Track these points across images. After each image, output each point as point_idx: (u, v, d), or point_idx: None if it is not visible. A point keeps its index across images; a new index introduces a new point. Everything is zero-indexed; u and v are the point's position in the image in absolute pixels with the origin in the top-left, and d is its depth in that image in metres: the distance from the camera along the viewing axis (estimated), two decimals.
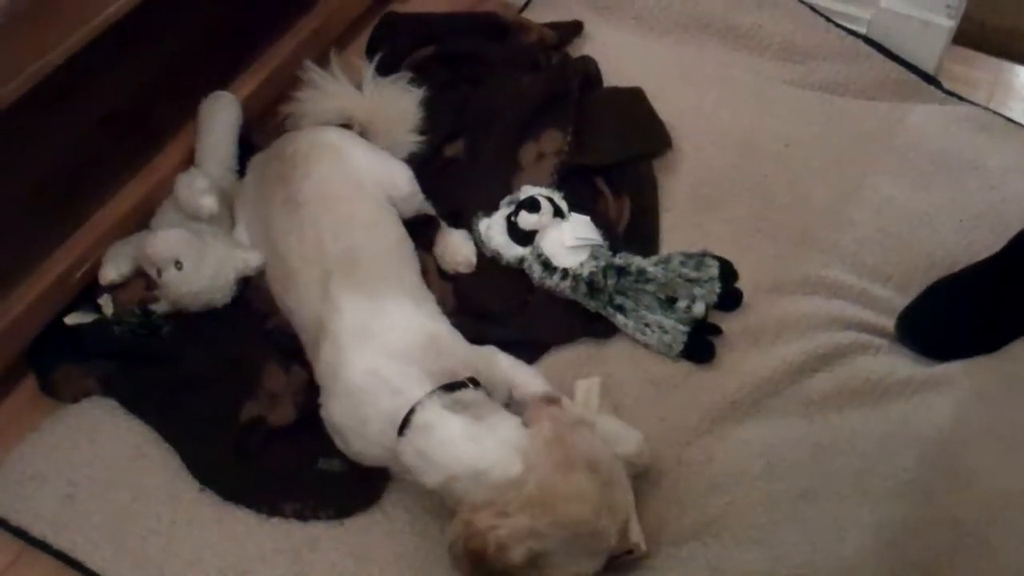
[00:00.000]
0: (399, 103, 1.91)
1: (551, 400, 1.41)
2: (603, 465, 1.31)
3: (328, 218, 1.61)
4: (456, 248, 1.81)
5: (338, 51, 1.96)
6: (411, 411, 1.38)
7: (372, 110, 1.86)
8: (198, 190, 1.69)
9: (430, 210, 1.84)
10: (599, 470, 1.30)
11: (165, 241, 1.65)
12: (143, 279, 1.69)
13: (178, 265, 1.64)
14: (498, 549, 1.25)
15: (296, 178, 1.66)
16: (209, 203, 1.69)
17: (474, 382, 1.44)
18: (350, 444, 1.48)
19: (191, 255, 1.65)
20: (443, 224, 1.84)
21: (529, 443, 1.32)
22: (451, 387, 1.41)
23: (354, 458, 1.50)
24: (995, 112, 2.11)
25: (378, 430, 1.41)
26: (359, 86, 1.89)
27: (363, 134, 1.85)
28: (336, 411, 1.47)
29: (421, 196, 1.81)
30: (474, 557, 1.27)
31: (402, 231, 1.71)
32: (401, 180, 1.78)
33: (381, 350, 1.46)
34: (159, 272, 1.65)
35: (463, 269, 1.80)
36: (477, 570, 1.29)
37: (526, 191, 1.82)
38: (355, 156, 1.74)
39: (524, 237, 1.77)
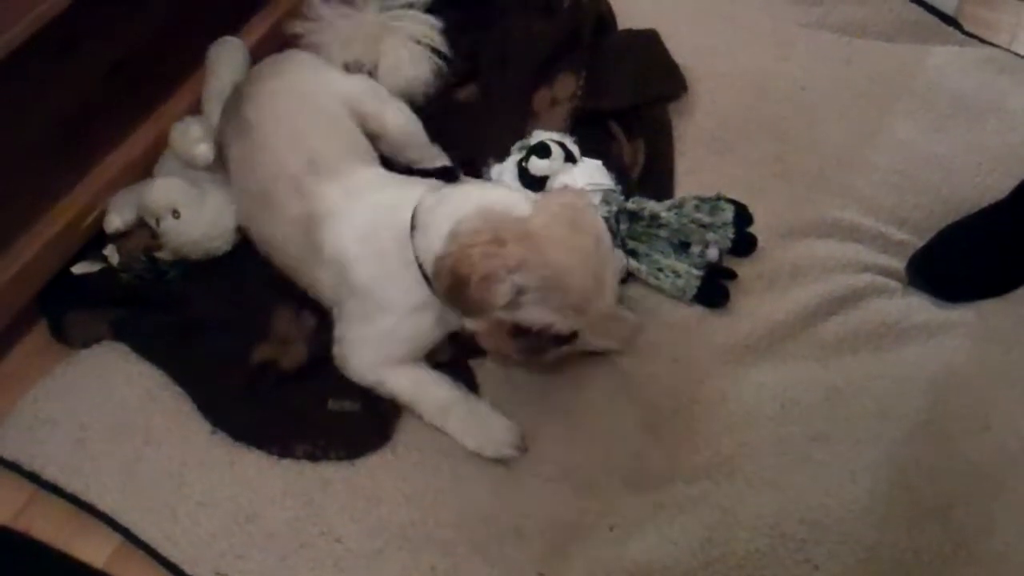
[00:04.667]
0: (412, 39, 1.87)
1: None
2: (604, 242, 1.34)
3: (280, 136, 1.61)
4: None
5: None
6: (416, 208, 1.42)
7: (381, 44, 1.82)
8: (192, 139, 1.69)
9: (443, 158, 1.83)
10: (600, 244, 1.33)
11: (161, 190, 1.65)
12: (148, 227, 1.69)
13: (175, 214, 1.64)
14: (483, 280, 1.27)
15: (242, 108, 1.66)
16: (203, 151, 1.68)
17: None
18: (389, 302, 1.49)
19: (189, 203, 1.65)
20: (464, 179, 1.83)
21: (542, 201, 1.36)
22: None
23: (401, 322, 1.50)
24: (1016, 54, 2.07)
25: (398, 249, 1.43)
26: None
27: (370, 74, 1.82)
28: (364, 273, 1.48)
29: (410, 128, 1.80)
30: (457, 281, 1.29)
31: (361, 142, 1.70)
32: (365, 95, 1.76)
33: (374, 190, 1.54)
34: (158, 221, 1.65)
35: None
36: (453, 295, 1.32)
37: (537, 136, 1.79)
38: (299, 70, 1.75)
39: (535, 182, 1.74)
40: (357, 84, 1.77)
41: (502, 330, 1.35)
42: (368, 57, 1.81)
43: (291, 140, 1.59)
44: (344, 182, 1.55)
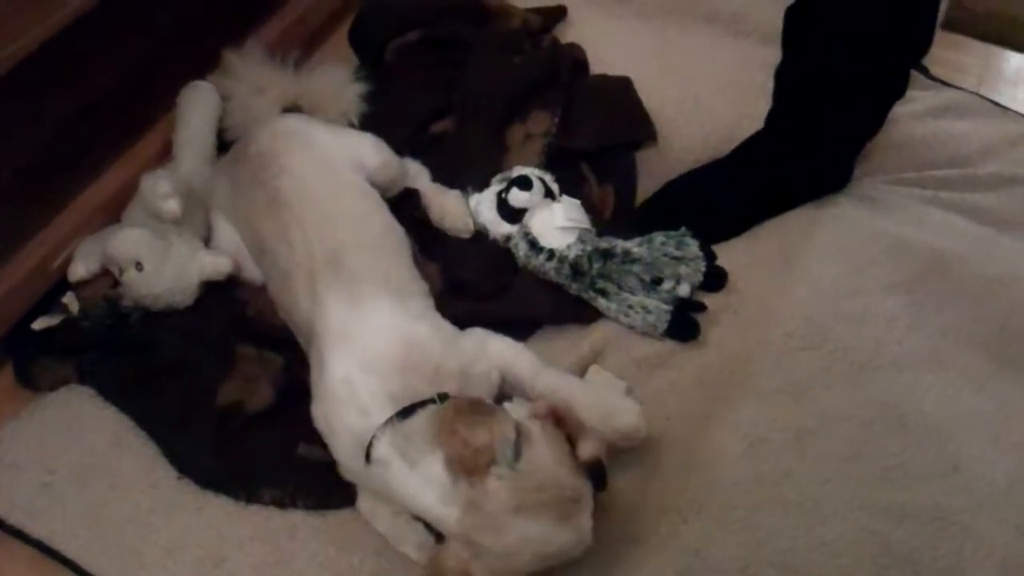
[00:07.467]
0: (330, 88, 1.92)
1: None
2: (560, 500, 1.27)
3: (311, 217, 1.57)
4: (456, 214, 1.81)
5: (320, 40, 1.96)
6: (372, 439, 1.35)
7: (299, 93, 1.88)
8: (161, 194, 1.65)
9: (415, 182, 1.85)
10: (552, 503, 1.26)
11: (126, 241, 1.63)
12: (110, 276, 1.68)
13: (139, 267, 1.62)
14: None
15: (270, 178, 1.63)
16: (172, 207, 1.64)
17: (442, 397, 1.37)
18: (331, 450, 1.45)
19: (152, 257, 1.63)
20: (435, 186, 1.84)
21: (455, 493, 1.28)
22: (406, 412, 1.36)
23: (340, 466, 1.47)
24: (982, 97, 2.09)
25: (347, 442, 1.40)
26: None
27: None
28: (317, 413, 1.45)
29: (397, 163, 1.80)
30: None
31: (387, 219, 1.66)
32: (367, 150, 1.75)
33: (356, 359, 1.42)
34: (121, 271, 1.64)
35: (464, 235, 1.81)
36: None
37: (517, 171, 1.82)
38: (319, 139, 1.71)
39: (513, 214, 1.76)
40: (361, 140, 1.78)
41: None
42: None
43: (319, 235, 1.56)
44: (349, 310, 1.48)
